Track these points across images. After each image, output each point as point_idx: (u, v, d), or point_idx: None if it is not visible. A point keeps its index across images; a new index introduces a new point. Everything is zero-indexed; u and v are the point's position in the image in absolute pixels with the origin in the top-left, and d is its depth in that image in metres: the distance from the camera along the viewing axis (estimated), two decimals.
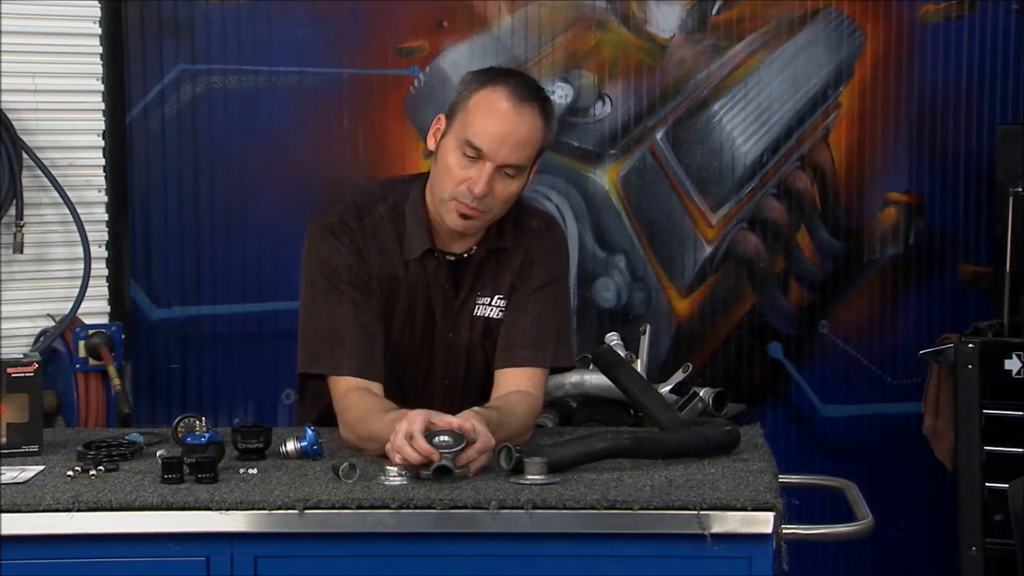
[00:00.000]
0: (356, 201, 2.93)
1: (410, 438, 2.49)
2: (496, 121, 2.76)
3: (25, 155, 3.78)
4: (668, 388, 3.38)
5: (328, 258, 2.86)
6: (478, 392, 2.94)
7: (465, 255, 2.91)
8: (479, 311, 2.93)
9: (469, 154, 2.77)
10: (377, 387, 2.82)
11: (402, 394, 2.85)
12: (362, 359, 2.81)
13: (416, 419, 2.51)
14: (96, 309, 3.92)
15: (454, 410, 2.65)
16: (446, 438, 2.49)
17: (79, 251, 3.84)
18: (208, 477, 2.50)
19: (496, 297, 2.93)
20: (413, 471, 2.49)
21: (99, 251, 3.95)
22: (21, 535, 2.38)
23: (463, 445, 2.49)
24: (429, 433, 2.51)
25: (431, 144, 2.87)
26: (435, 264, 2.90)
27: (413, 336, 2.93)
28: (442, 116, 2.86)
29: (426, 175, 2.92)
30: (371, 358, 2.83)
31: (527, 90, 2.81)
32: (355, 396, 2.78)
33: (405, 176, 3.04)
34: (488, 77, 2.83)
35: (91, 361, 3.74)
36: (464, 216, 2.80)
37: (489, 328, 2.94)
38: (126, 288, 4.12)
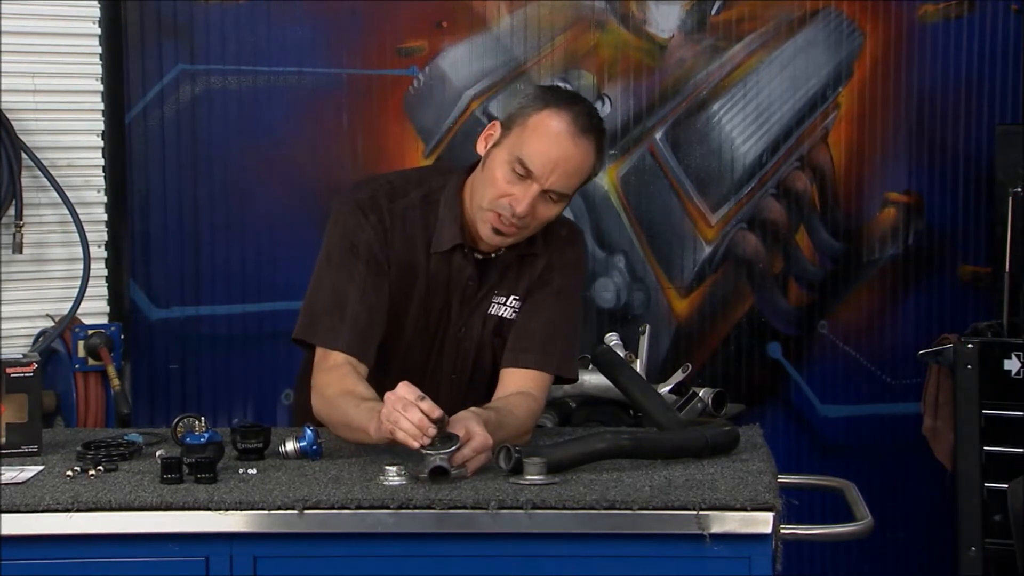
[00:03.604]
0: (392, 182, 2.92)
1: (404, 407, 2.49)
2: (552, 146, 2.74)
3: (24, 155, 3.78)
4: (667, 388, 3.39)
5: (351, 233, 2.85)
6: (484, 389, 2.94)
7: (493, 255, 2.91)
8: (493, 309, 2.93)
9: (519, 171, 2.75)
10: (363, 370, 2.81)
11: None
12: (357, 338, 2.80)
13: (403, 392, 2.51)
14: (95, 309, 3.92)
15: (458, 405, 2.65)
16: (439, 439, 2.49)
17: (78, 251, 3.83)
18: (207, 477, 2.50)
19: (512, 298, 2.93)
20: (412, 472, 2.49)
21: (98, 251, 3.95)
22: (20, 535, 2.38)
23: (457, 445, 2.49)
24: None
25: (480, 149, 2.85)
26: (462, 260, 2.89)
27: (426, 327, 2.92)
28: (497, 123, 2.85)
29: (468, 170, 2.91)
30: (366, 340, 2.82)
31: (587, 120, 2.79)
32: (337, 374, 2.77)
33: (446, 167, 3.01)
34: (553, 99, 2.81)
35: (90, 361, 3.74)
36: (498, 231, 2.79)
37: (501, 327, 2.93)
38: (125, 288, 4.12)
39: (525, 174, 2.75)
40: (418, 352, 2.93)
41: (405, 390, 2.52)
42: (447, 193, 2.89)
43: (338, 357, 2.79)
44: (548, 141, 2.75)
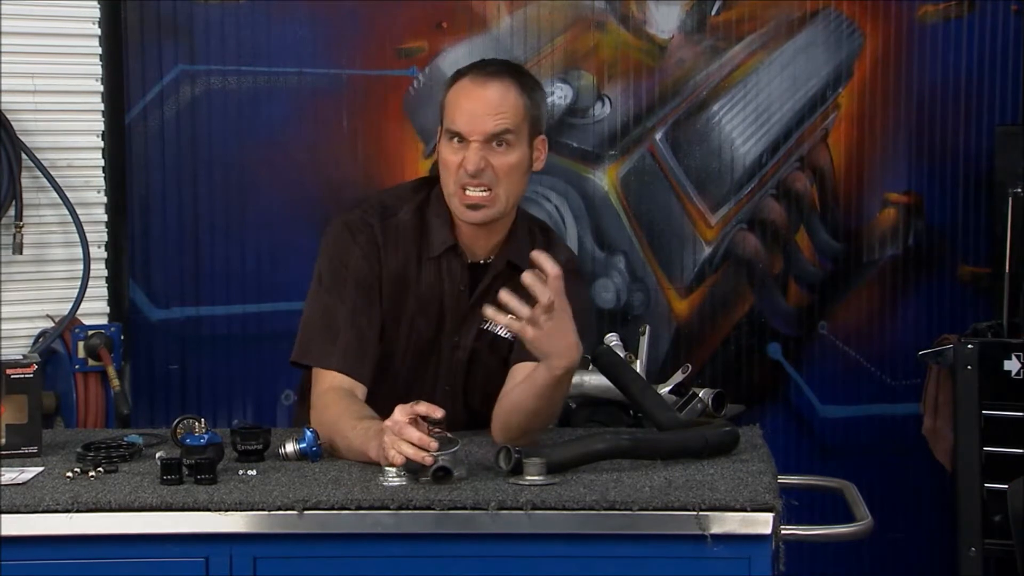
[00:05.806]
0: (383, 201, 2.98)
1: (400, 430, 2.49)
2: (464, 102, 2.84)
3: (24, 156, 3.78)
4: (667, 389, 3.38)
5: (340, 255, 2.90)
6: (477, 407, 2.95)
7: (483, 262, 2.93)
8: (489, 325, 2.93)
9: (456, 143, 2.84)
10: (361, 390, 2.83)
11: (407, 396, 2.84)
12: (351, 358, 2.83)
13: (398, 416, 2.51)
14: (95, 310, 3.92)
15: (451, 416, 2.65)
16: (437, 441, 2.49)
17: (78, 252, 3.84)
18: (207, 478, 2.50)
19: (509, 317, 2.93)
20: (413, 474, 2.48)
21: (98, 252, 3.95)
22: (20, 536, 2.39)
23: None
24: None
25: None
26: (454, 264, 2.92)
27: (421, 338, 2.94)
28: (440, 127, 2.93)
29: None
30: (360, 359, 2.84)
31: (495, 67, 2.89)
32: (334, 395, 2.79)
33: (434, 177, 3.04)
34: (460, 72, 2.92)
35: (90, 362, 3.74)
36: (472, 206, 2.83)
37: (496, 345, 2.95)
38: (125, 289, 4.12)
39: (461, 140, 2.83)
40: (414, 363, 2.95)
41: (399, 413, 2.52)
42: (433, 200, 2.94)
43: (333, 378, 2.82)
44: (461, 100, 2.85)
